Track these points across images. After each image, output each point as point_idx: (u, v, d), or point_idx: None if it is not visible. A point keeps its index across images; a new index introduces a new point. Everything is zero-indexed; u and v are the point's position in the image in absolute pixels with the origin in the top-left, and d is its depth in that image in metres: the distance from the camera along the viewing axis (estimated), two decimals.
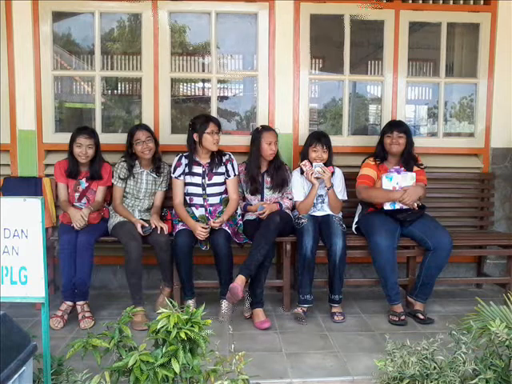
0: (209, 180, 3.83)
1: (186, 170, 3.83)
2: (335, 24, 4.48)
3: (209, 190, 3.84)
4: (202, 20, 4.52)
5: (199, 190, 3.83)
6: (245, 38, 4.85)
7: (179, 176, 3.81)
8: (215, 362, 2.15)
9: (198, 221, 3.75)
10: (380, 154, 4.01)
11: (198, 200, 3.83)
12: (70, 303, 3.59)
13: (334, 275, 3.70)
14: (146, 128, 3.91)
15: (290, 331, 3.47)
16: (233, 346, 2.24)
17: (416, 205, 3.80)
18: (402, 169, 3.86)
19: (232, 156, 3.92)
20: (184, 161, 3.84)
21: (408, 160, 3.96)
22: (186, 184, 3.84)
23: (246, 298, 3.70)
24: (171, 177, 3.90)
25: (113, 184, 3.91)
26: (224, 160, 3.87)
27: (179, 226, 3.76)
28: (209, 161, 3.85)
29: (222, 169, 3.87)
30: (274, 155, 3.95)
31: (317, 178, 3.83)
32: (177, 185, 3.83)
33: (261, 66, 4.39)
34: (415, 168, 3.95)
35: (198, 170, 3.84)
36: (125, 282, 3.77)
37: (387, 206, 3.82)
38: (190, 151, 3.84)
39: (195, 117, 3.89)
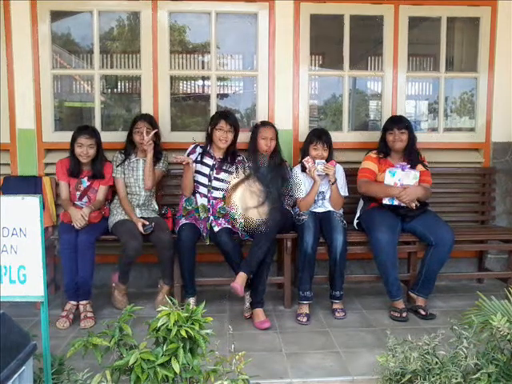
0: (216, 174, 3.86)
1: (198, 159, 3.87)
2: (335, 20, 4.47)
3: (214, 183, 3.86)
4: (202, 20, 4.52)
5: (205, 181, 3.85)
6: (245, 38, 4.85)
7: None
8: (215, 362, 2.14)
9: (197, 209, 3.80)
10: (383, 150, 4.02)
11: (203, 189, 3.85)
12: (74, 303, 3.60)
13: (334, 271, 3.70)
14: (150, 120, 3.93)
15: (290, 331, 3.47)
16: (233, 346, 2.24)
17: (414, 204, 3.80)
18: (408, 166, 3.86)
19: (245, 159, 3.94)
20: (198, 150, 3.92)
21: (411, 155, 3.97)
22: (195, 172, 3.85)
23: (246, 297, 3.69)
24: None
25: (114, 178, 3.91)
26: (236, 160, 3.90)
27: (182, 221, 3.76)
28: (221, 157, 3.90)
29: (232, 168, 3.89)
30: (269, 151, 3.95)
31: (318, 175, 3.83)
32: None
33: (261, 65, 4.38)
34: (421, 168, 3.95)
35: (208, 161, 3.89)
36: None
37: (385, 201, 3.83)
38: (206, 143, 3.92)
39: (216, 111, 4.11)
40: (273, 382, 2.75)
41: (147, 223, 3.74)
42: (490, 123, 4.59)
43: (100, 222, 3.81)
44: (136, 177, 3.93)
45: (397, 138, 3.93)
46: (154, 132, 3.83)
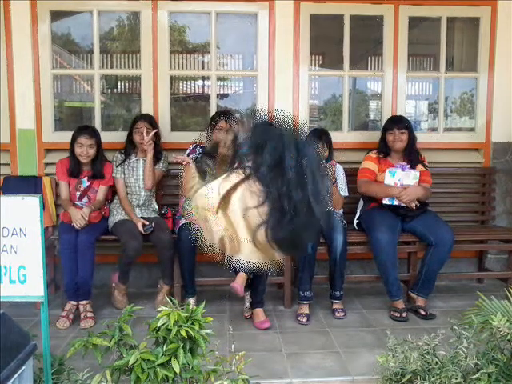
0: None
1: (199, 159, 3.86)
2: (335, 20, 4.47)
3: None
4: (202, 20, 4.52)
5: None
6: (245, 38, 4.85)
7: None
8: (215, 362, 2.14)
9: None
10: (383, 150, 4.02)
11: None
12: (74, 303, 3.60)
13: (334, 271, 3.70)
14: (150, 120, 3.93)
15: (290, 331, 3.47)
16: (233, 346, 2.24)
17: (414, 204, 3.80)
18: (408, 166, 3.87)
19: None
20: (198, 150, 3.90)
21: (411, 155, 3.97)
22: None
23: (246, 297, 3.69)
24: None
25: (114, 178, 3.91)
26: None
27: (182, 221, 3.76)
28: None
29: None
30: None
31: None
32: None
33: (261, 65, 4.38)
34: (421, 168, 3.95)
35: (209, 161, 3.87)
36: None
37: (385, 201, 3.84)
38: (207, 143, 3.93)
39: (216, 111, 4.14)
40: (273, 381, 2.75)
41: (147, 223, 3.75)
42: (490, 123, 4.59)
43: (100, 221, 3.81)
44: (136, 177, 3.93)
45: (397, 138, 3.93)
46: (153, 132, 3.83)
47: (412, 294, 3.84)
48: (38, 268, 2.03)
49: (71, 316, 3.55)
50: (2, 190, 4.03)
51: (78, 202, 3.84)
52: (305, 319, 3.60)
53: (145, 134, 3.79)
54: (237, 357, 2.12)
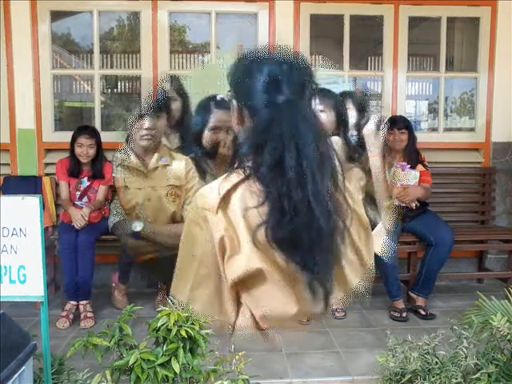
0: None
1: None
2: (335, 20, 4.48)
3: None
4: (202, 20, 4.52)
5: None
6: (245, 38, 4.85)
7: None
8: (215, 362, 2.14)
9: None
10: None
11: None
12: (74, 303, 3.60)
13: None
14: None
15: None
16: (233, 346, 2.23)
17: (414, 204, 3.80)
18: (408, 166, 3.87)
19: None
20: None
21: (411, 155, 3.97)
22: None
23: None
24: None
25: (115, 178, 3.91)
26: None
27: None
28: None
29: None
30: None
31: None
32: None
33: None
34: (421, 168, 3.95)
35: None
36: None
37: None
38: None
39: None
40: (273, 381, 2.75)
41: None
42: (490, 123, 4.59)
43: (100, 221, 3.81)
44: None
45: (397, 138, 3.93)
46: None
47: (412, 294, 3.84)
48: (38, 268, 2.03)
49: (71, 316, 3.55)
50: (2, 189, 4.03)
51: (78, 202, 3.84)
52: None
53: None
54: (237, 357, 2.12)
